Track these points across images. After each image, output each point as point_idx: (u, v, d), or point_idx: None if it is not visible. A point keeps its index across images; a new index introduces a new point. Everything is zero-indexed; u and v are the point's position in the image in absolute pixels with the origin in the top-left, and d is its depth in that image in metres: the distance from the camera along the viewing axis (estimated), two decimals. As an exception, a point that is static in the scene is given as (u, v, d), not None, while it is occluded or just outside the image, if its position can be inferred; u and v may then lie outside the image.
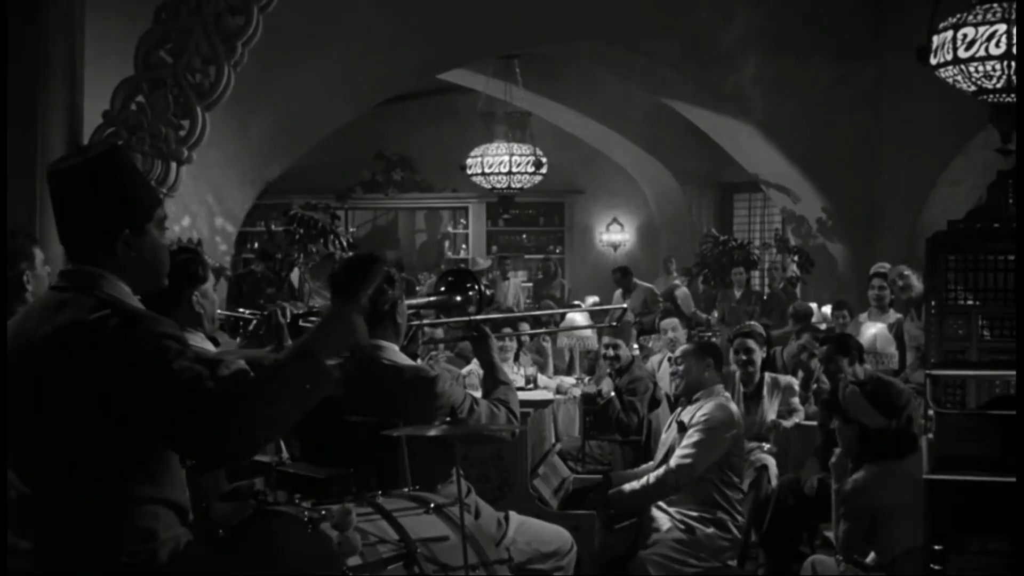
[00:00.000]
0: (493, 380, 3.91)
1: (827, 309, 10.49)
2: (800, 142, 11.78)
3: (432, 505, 2.90)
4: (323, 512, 2.69)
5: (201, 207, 8.55)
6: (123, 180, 2.55)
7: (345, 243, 10.15)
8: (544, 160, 12.55)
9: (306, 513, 2.69)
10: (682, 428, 5.22)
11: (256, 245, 13.49)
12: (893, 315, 8.05)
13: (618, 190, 16.27)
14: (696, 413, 5.23)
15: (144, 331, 2.40)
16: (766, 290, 12.52)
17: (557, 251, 16.69)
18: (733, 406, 5.34)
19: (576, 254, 16.44)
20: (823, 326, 10.00)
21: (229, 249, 9.36)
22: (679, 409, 5.49)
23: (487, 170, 12.53)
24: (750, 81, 11.33)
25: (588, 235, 16.79)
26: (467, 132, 13.51)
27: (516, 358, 8.00)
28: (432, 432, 2.95)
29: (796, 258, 12.32)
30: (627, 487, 5.16)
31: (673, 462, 5.11)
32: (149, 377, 2.35)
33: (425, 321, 4.08)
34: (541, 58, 12.56)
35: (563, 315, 9.89)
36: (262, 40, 5.76)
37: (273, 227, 11.09)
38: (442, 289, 3.98)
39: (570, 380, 8.33)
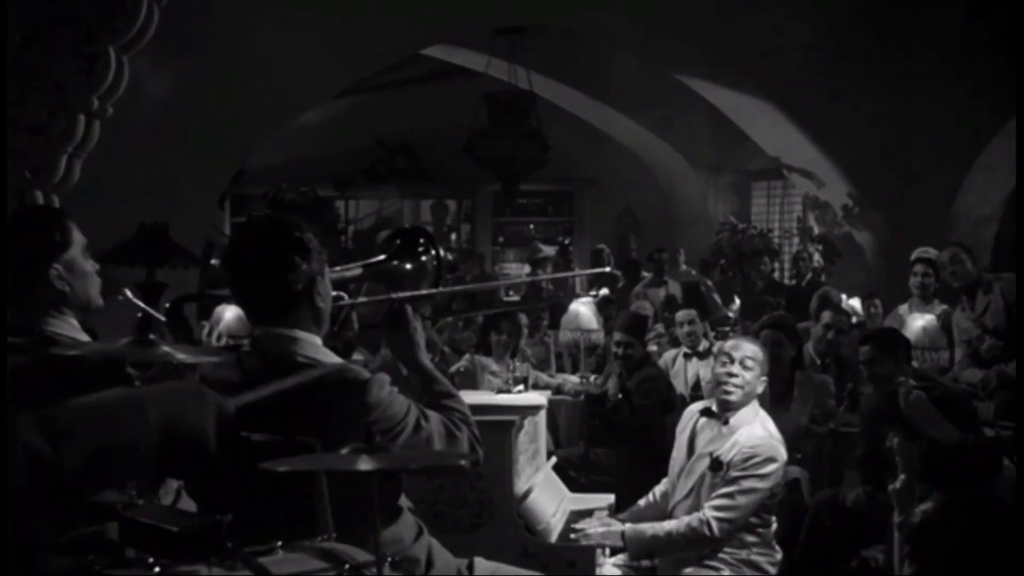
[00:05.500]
0: (429, 393, 2.81)
1: (855, 301, 9.84)
2: (826, 123, 11.04)
3: (347, 567, 2.02)
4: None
5: (170, 184, 7.79)
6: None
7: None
8: (550, 144, 11.90)
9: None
10: (717, 465, 4.17)
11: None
12: (938, 306, 7.24)
13: (629, 178, 15.58)
14: (735, 449, 4.19)
15: None
16: (789, 281, 11.85)
17: (567, 242, 16.04)
18: (772, 427, 4.34)
19: (586, 245, 15.79)
20: (853, 320, 9.36)
21: (205, 231, 8.71)
22: (697, 420, 4.43)
23: (491, 156, 11.88)
24: (772, 58, 10.56)
25: (599, 225, 16.09)
26: (470, 116, 12.86)
27: (513, 354, 7.22)
28: (340, 466, 2.08)
29: (820, 247, 11.64)
30: (648, 529, 4.20)
31: (710, 514, 4.11)
32: None
33: (360, 299, 2.97)
34: (547, 35, 11.85)
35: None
36: (240, 5, 5.06)
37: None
38: (384, 256, 2.96)
39: (574, 379, 7.70)
